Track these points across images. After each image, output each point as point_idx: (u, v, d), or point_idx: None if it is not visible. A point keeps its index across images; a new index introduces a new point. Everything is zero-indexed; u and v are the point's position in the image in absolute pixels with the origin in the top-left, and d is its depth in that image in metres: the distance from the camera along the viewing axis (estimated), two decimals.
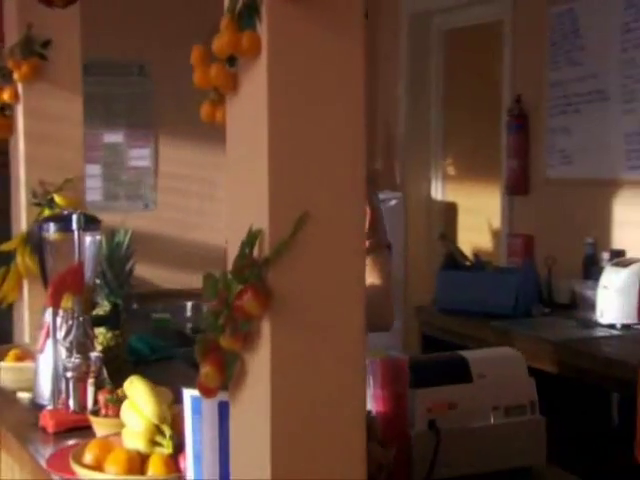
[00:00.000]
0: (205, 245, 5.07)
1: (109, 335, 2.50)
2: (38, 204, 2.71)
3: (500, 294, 3.67)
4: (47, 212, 2.68)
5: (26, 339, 2.82)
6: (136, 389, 1.72)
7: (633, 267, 3.50)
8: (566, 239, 4.08)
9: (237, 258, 1.36)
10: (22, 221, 2.79)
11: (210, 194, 5.20)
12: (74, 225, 2.21)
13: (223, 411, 1.51)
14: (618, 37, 3.82)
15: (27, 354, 2.57)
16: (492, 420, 1.81)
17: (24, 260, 2.74)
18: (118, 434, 1.78)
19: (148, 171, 5.22)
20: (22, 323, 2.86)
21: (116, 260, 2.57)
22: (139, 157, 5.19)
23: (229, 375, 1.41)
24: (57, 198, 2.71)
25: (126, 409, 1.74)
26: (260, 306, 1.34)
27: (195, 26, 4.95)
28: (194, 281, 5.06)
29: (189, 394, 1.56)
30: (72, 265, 2.21)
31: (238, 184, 1.45)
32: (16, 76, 2.68)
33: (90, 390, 2.19)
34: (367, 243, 2.35)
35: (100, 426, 1.94)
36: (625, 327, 3.53)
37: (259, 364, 1.38)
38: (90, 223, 2.28)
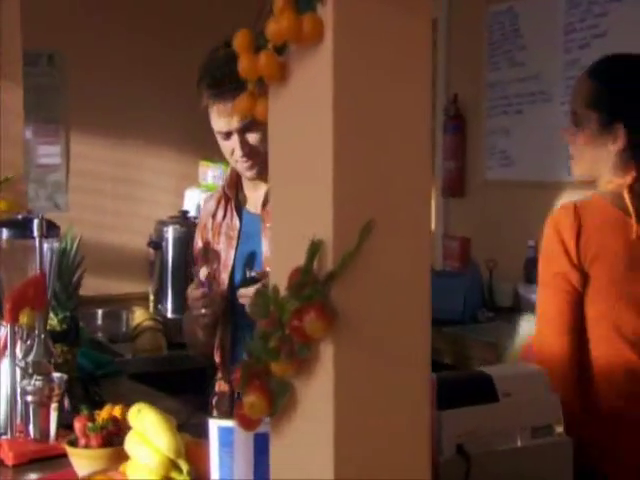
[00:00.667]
0: (122, 248, 4.83)
1: (59, 352, 2.29)
2: None
3: (449, 299, 3.59)
4: None
5: None
6: (145, 419, 1.53)
7: None
8: (506, 242, 4.03)
9: (297, 273, 1.20)
10: None
11: (127, 193, 4.95)
12: (34, 231, 1.99)
13: (260, 445, 1.35)
14: (561, 38, 3.79)
15: None
16: (519, 442, 1.70)
17: None
18: (110, 469, 1.59)
19: (58, 169, 4.92)
20: None
21: (64, 270, 2.36)
22: (48, 154, 4.88)
23: (278, 405, 1.25)
24: None
25: (133, 441, 1.55)
26: (324, 328, 1.18)
27: (111, 11, 4.78)
28: (111, 287, 4.84)
29: (216, 424, 1.39)
30: (33, 276, 1.99)
31: (287, 188, 1.28)
32: None
33: (53, 416, 1.98)
34: None
35: (80, 458, 1.74)
36: None
37: (317, 393, 1.22)
38: (49, 229, 2.07)
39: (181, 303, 4.46)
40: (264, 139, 2.19)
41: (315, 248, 1.19)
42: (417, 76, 1.23)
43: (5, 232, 2.08)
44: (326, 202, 1.19)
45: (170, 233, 4.46)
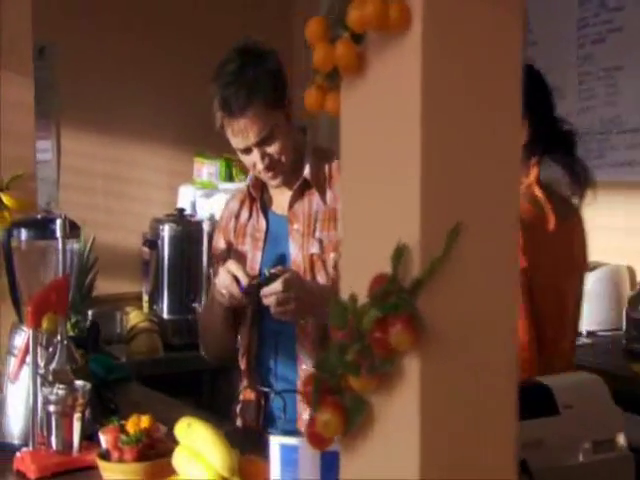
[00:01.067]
0: (114, 247, 4.70)
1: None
2: None
3: None
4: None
5: None
6: (196, 434, 1.43)
7: (599, 272, 3.41)
8: None
9: (380, 280, 1.11)
10: None
11: (119, 191, 4.83)
12: (57, 232, 1.89)
13: (328, 463, 1.26)
14: (574, 33, 3.72)
15: None
16: (581, 457, 1.63)
17: None
18: None
19: (49, 165, 4.79)
20: None
21: (78, 271, 2.26)
22: (39, 150, 4.74)
23: (353, 423, 1.17)
24: (5, 198, 2.36)
25: (182, 456, 1.46)
26: (411, 340, 1.09)
27: (105, 3, 4.63)
28: (102, 286, 4.73)
29: (278, 442, 1.30)
30: (55, 279, 1.89)
31: (364, 187, 1.19)
32: None
33: (76, 426, 1.89)
34: None
35: (114, 473, 1.65)
36: (590, 334, 3.44)
37: (399, 410, 1.13)
38: (71, 229, 1.97)
39: (177, 303, 4.38)
40: (284, 148, 2.15)
41: (400, 253, 1.11)
42: (508, 69, 1.15)
43: (24, 232, 1.97)
44: (412, 203, 1.10)
45: (166, 231, 4.36)
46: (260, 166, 2.14)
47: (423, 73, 1.08)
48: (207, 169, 4.83)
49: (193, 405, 3.59)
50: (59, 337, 1.89)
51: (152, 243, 4.40)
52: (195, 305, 4.28)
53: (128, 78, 4.73)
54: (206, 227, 4.33)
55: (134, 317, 4.25)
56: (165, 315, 4.37)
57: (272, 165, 2.15)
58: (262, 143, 2.11)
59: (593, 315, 3.41)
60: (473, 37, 1.12)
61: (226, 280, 2.07)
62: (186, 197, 4.77)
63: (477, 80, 1.12)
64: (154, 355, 4.16)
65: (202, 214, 4.56)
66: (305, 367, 2.15)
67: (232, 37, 4.96)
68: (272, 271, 2.03)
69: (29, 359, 1.89)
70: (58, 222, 1.88)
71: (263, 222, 2.25)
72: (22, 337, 1.94)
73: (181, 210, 4.47)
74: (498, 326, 1.16)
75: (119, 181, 4.83)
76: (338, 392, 1.17)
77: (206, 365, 4.14)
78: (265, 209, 2.27)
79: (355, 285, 1.16)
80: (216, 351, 2.39)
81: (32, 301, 1.85)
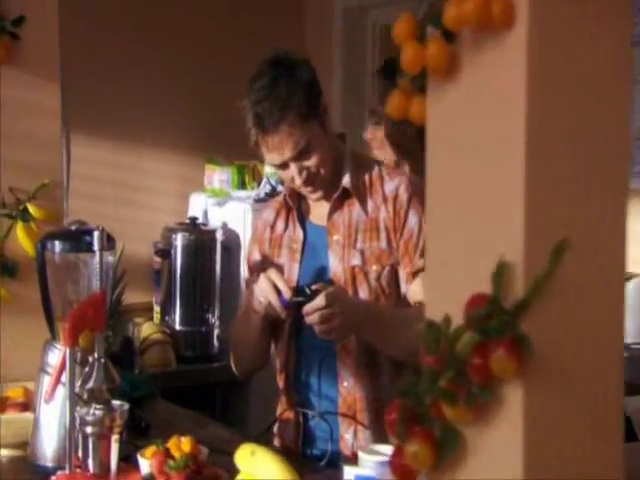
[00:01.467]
0: (124, 256, 4.60)
1: None
2: (9, 215, 2.27)
3: None
4: (20, 225, 2.24)
5: None
6: (261, 463, 1.35)
7: (636, 282, 3.33)
8: None
9: (478, 301, 1.03)
10: None
11: (128, 199, 4.73)
12: (95, 244, 1.80)
13: None
14: None
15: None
16: None
17: None
18: None
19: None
20: None
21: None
22: None
23: (446, 457, 1.08)
24: (32, 209, 2.27)
25: None
26: (515, 367, 1.01)
27: (114, 8, 4.54)
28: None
29: (353, 472, 1.21)
30: (93, 294, 1.81)
31: (455, 199, 1.11)
32: None
33: (114, 448, 1.80)
34: (419, 259, 2.06)
35: None
36: (626, 347, 3.35)
37: (499, 443, 1.05)
38: (108, 242, 1.88)
39: (190, 314, 4.29)
40: (322, 160, 2.07)
41: (502, 271, 1.03)
42: (617, 73, 1.07)
43: (58, 245, 1.89)
44: (515, 217, 1.02)
45: (179, 240, 4.27)
46: (298, 181, 2.06)
47: (529, 77, 1.01)
48: (219, 176, 4.73)
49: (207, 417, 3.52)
50: (96, 355, 1.80)
51: (164, 252, 4.31)
52: (208, 316, 4.20)
53: (138, 84, 4.63)
54: (219, 236, 4.25)
55: (146, 328, 4.15)
56: (177, 326, 4.28)
57: (311, 179, 2.07)
58: (299, 157, 2.04)
59: (630, 327, 3.33)
60: (581, 40, 1.04)
61: (266, 288, 1.98)
62: (197, 205, 4.68)
63: (585, 86, 1.05)
64: (167, 368, 4.06)
65: (214, 223, 4.47)
66: (346, 384, 2.07)
67: (243, 42, 4.90)
68: (313, 287, 1.94)
69: (64, 378, 1.80)
70: (96, 234, 1.79)
71: (300, 233, 2.16)
72: (56, 355, 1.85)
73: (194, 219, 4.38)
74: (606, 350, 1.08)
75: (129, 189, 4.74)
76: (427, 421, 1.09)
77: (219, 378, 4.10)
78: (302, 219, 2.19)
79: (444, 306, 1.08)
80: (248, 365, 2.29)
81: (69, 318, 1.76)
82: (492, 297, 1.02)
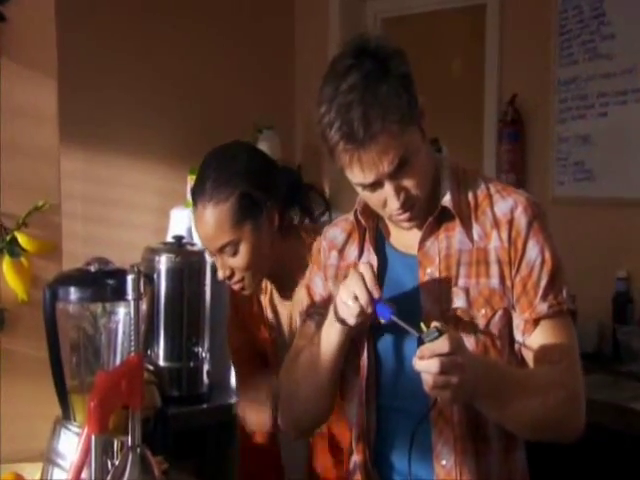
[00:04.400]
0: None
1: None
2: None
3: None
4: (7, 261, 1.80)
5: None
6: None
7: None
8: (586, 274, 3.52)
9: None
10: None
11: (100, 215, 4.33)
12: (129, 291, 1.38)
13: None
14: None
15: None
16: None
17: None
18: None
19: None
20: None
21: None
22: None
23: None
24: (21, 238, 1.83)
25: None
26: None
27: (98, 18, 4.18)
28: None
29: None
30: (128, 359, 1.38)
31: None
32: None
33: None
34: (542, 303, 1.68)
35: None
36: None
37: None
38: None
39: (176, 348, 3.87)
40: (421, 177, 1.65)
41: None
42: None
43: (75, 292, 1.45)
44: None
45: (163, 263, 3.86)
46: (394, 205, 1.61)
47: None
48: None
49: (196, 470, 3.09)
50: (129, 441, 1.38)
51: (147, 277, 3.89)
52: (197, 350, 3.80)
53: (114, 90, 4.31)
54: (209, 258, 3.83)
55: None
56: (162, 362, 3.87)
57: (408, 203, 1.64)
58: (397, 173, 1.60)
59: None
60: None
61: (358, 286, 1.56)
62: (180, 222, 4.30)
63: None
64: (150, 411, 3.64)
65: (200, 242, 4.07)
66: (445, 463, 1.66)
67: (230, 45, 4.57)
68: (437, 325, 1.50)
69: (87, 474, 1.37)
70: (130, 278, 1.37)
71: (375, 261, 1.75)
72: (71, 440, 1.42)
73: (179, 237, 3.97)
74: None
75: (101, 204, 4.38)
76: None
77: (210, 421, 3.69)
78: (380, 243, 1.77)
79: None
80: (314, 417, 1.83)
81: (96, 393, 1.32)
82: None
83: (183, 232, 4.14)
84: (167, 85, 4.38)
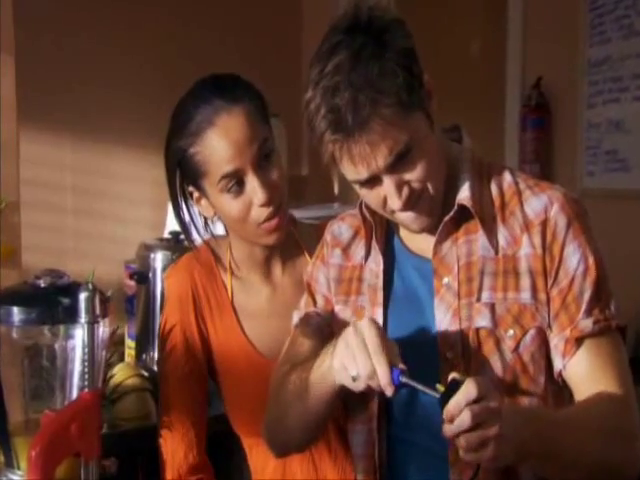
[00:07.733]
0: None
1: None
2: None
3: None
4: None
5: None
6: None
7: None
8: (617, 273, 3.34)
9: None
10: None
11: (92, 209, 4.23)
12: (81, 311, 1.16)
13: None
14: None
15: None
16: None
17: None
18: None
19: None
20: None
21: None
22: None
23: None
24: None
25: None
26: None
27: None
28: None
29: None
30: (80, 396, 1.17)
31: None
32: None
33: None
34: (585, 318, 1.48)
35: None
36: None
37: None
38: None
39: None
40: (429, 171, 1.43)
41: None
42: None
43: (18, 313, 1.23)
44: None
45: (158, 261, 3.77)
46: (396, 203, 1.39)
47: None
48: None
49: None
50: None
51: (141, 275, 3.80)
52: None
53: (103, 73, 4.19)
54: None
55: (120, 372, 3.55)
56: (156, 367, 3.70)
57: (412, 199, 1.42)
58: (396, 166, 1.38)
59: None
60: None
61: (360, 359, 1.33)
62: None
63: None
64: (145, 422, 3.47)
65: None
66: None
67: (230, 34, 4.54)
68: (454, 376, 1.26)
69: None
70: (82, 296, 1.16)
71: (381, 261, 1.54)
72: None
73: (176, 233, 3.87)
74: None
75: (93, 197, 4.27)
76: None
77: (210, 430, 3.52)
78: (390, 241, 1.57)
79: None
80: (293, 442, 1.63)
81: (39, 438, 1.11)
82: None
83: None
84: (167, 72, 4.28)
